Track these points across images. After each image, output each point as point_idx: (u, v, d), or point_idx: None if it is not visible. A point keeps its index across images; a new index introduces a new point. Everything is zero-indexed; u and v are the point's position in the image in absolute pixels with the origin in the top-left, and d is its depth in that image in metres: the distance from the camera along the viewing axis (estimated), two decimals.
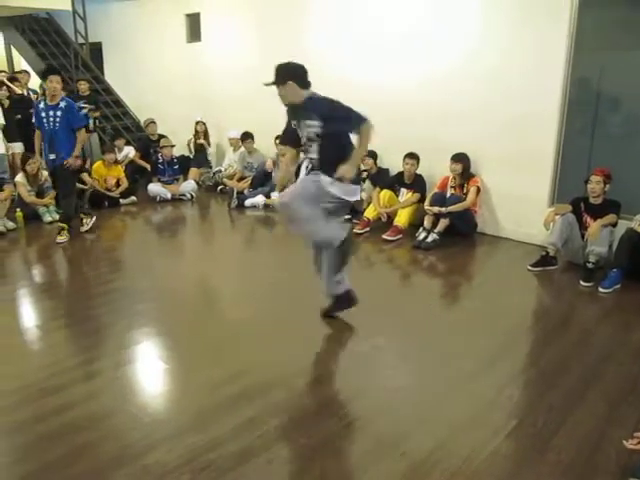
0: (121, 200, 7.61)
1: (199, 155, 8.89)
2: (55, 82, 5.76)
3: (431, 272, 5.33)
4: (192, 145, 8.99)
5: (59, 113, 5.77)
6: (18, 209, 6.60)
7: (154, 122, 8.83)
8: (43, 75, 5.94)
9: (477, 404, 2.94)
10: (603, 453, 2.55)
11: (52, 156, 5.88)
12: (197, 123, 8.89)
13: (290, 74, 3.48)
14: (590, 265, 4.65)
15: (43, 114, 5.80)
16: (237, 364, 3.35)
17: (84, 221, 6.40)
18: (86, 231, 6.31)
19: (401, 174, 6.28)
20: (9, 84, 8.15)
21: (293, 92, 3.50)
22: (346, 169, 3.40)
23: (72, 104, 6.03)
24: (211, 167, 9.00)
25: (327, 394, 3.08)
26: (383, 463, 2.48)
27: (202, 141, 8.88)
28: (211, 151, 9.06)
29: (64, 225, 6.04)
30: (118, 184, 7.70)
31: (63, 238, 5.93)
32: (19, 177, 6.86)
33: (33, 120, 6.00)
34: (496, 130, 5.71)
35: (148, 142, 8.74)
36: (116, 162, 7.92)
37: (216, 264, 5.50)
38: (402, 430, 2.71)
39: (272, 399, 2.97)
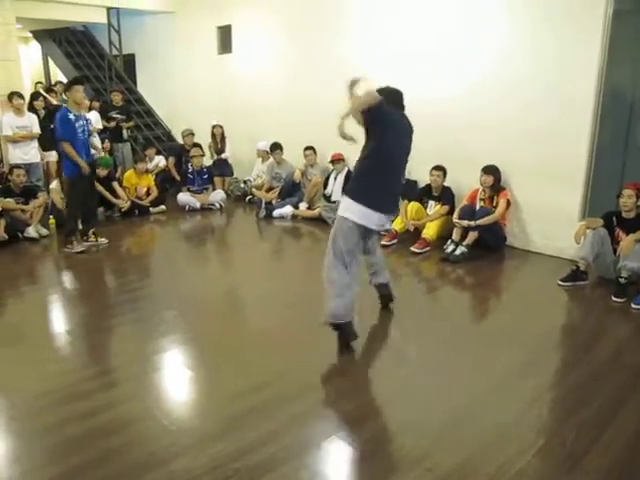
0: (151, 209, 7.72)
1: (219, 162, 8.84)
2: (81, 92, 5.74)
3: (459, 285, 5.28)
4: (212, 149, 8.90)
5: (85, 122, 5.87)
6: (51, 216, 6.73)
7: (192, 134, 8.85)
8: (69, 85, 5.82)
9: (504, 420, 2.89)
10: (636, 474, 2.49)
11: (86, 161, 5.84)
12: (214, 127, 8.80)
13: None
14: (622, 280, 4.55)
15: (77, 124, 5.71)
16: (262, 373, 3.36)
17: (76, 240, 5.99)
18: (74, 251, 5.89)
19: (429, 186, 6.25)
20: (46, 95, 8.39)
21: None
22: None
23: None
24: (232, 173, 8.97)
25: (352, 406, 3.06)
26: (408, 478, 2.45)
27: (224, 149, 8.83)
28: (228, 155, 8.92)
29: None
30: (148, 193, 7.83)
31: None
32: (54, 184, 7.03)
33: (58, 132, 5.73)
34: (526, 141, 5.63)
35: (182, 151, 8.79)
36: (147, 171, 8.05)
37: (243, 273, 5.54)
38: (428, 445, 2.68)
39: (297, 410, 2.97)
